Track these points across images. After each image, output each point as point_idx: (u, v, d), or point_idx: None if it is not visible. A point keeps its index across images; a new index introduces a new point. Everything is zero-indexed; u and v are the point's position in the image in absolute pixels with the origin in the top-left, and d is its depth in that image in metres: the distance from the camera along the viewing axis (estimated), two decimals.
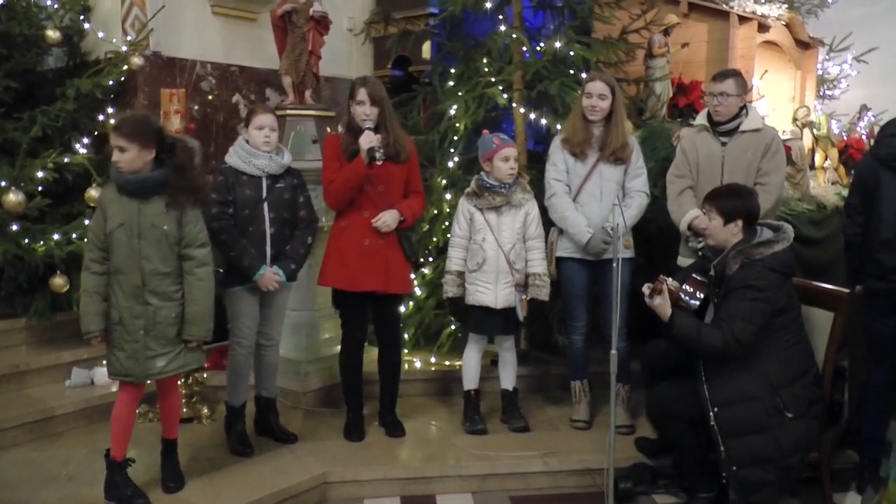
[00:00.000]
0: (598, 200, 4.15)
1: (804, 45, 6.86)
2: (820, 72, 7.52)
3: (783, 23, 6.37)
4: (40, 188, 4.65)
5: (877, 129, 7.65)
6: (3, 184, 4.49)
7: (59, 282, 4.57)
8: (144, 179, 3.26)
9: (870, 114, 7.85)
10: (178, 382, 4.35)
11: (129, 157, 3.22)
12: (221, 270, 3.80)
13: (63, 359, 4.61)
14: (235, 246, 3.80)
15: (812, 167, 6.68)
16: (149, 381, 3.43)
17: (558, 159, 4.22)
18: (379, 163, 3.85)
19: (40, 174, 4.62)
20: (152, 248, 3.27)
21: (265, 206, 3.87)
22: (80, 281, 3.33)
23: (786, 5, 6.81)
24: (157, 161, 3.30)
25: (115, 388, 3.70)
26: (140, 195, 3.26)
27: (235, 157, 3.87)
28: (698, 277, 3.53)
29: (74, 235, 4.62)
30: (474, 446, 4.10)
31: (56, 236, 4.62)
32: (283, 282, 3.93)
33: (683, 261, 4.11)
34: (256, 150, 3.85)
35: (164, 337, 3.33)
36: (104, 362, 3.45)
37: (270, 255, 3.90)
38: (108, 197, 3.32)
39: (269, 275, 3.87)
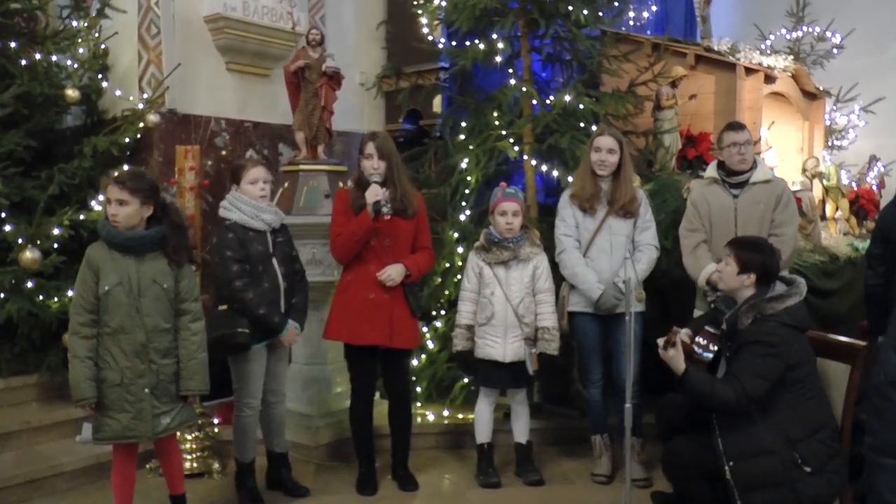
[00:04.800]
0: (608, 255, 4.16)
1: (811, 95, 6.91)
2: (828, 122, 7.56)
3: (789, 74, 6.43)
4: (56, 245, 4.69)
5: (887, 180, 7.73)
6: (20, 241, 4.53)
7: None
8: (144, 236, 3.26)
9: (879, 164, 7.86)
10: (189, 437, 4.38)
11: (129, 211, 3.22)
12: (247, 331, 3.74)
13: (73, 414, 4.57)
14: (263, 303, 3.78)
15: (823, 218, 6.68)
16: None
17: (567, 215, 4.24)
18: (387, 217, 3.88)
19: (56, 231, 4.67)
20: (153, 305, 3.27)
21: (275, 260, 3.89)
22: (69, 346, 3.26)
23: (791, 56, 6.89)
24: (150, 218, 3.31)
25: None
26: (136, 252, 3.26)
27: (239, 212, 3.85)
28: (711, 330, 3.50)
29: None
30: (488, 500, 4.06)
31: (70, 293, 4.63)
32: (300, 334, 3.98)
33: (699, 314, 4.08)
34: (259, 204, 3.88)
35: (167, 394, 3.33)
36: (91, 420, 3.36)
37: (284, 309, 3.91)
38: (99, 256, 3.25)
39: (293, 329, 3.90)
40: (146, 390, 3.26)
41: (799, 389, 3.26)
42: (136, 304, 3.23)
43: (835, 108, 7.92)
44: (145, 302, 3.25)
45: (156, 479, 4.20)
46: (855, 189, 7.33)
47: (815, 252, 5.59)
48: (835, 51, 8.08)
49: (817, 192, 6.65)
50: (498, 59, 5.25)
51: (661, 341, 3.37)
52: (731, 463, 3.23)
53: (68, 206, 4.80)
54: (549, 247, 4.34)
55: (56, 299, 4.62)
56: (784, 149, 6.65)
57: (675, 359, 3.31)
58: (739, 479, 3.21)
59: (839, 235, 6.68)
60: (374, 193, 3.87)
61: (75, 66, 5.32)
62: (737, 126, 4.13)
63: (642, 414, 4.23)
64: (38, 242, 4.58)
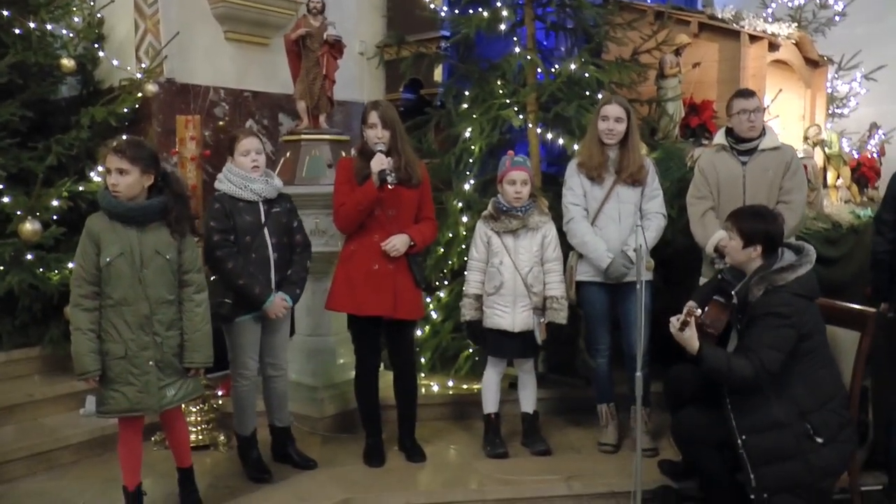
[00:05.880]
0: (616, 223, 4.14)
1: (814, 63, 6.85)
2: (829, 90, 7.51)
3: (793, 42, 6.36)
4: (55, 217, 4.64)
5: (887, 147, 7.70)
6: (19, 213, 4.48)
7: None
8: (146, 206, 3.21)
9: (880, 131, 7.82)
10: (194, 409, 4.36)
11: (129, 181, 3.16)
12: (229, 301, 3.75)
13: (76, 387, 4.53)
14: (243, 274, 3.75)
15: (824, 186, 6.65)
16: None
17: (575, 183, 4.21)
18: (390, 186, 3.84)
19: (55, 203, 4.61)
20: (156, 277, 3.22)
21: (266, 231, 3.84)
22: (71, 319, 3.23)
23: (795, 24, 6.82)
24: (151, 188, 3.26)
25: None
26: (138, 223, 3.21)
27: (228, 183, 3.83)
28: (721, 300, 3.48)
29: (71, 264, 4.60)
30: (496, 470, 4.06)
31: (71, 265, 4.58)
32: (290, 307, 3.93)
33: (705, 281, 4.08)
34: (249, 175, 3.83)
35: (172, 367, 3.29)
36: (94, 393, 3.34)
37: (275, 280, 3.87)
38: (100, 226, 3.20)
39: (279, 301, 3.84)
40: (151, 363, 3.23)
41: (810, 360, 3.25)
42: (139, 275, 3.19)
43: (836, 75, 7.86)
44: (148, 273, 3.21)
45: (161, 452, 4.19)
46: (856, 157, 7.30)
47: (818, 220, 5.57)
48: (837, 18, 8.00)
49: (819, 159, 6.62)
50: (502, 27, 5.17)
51: (675, 320, 3.34)
52: (743, 436, 3.23)
53: (67, 178, 4.74)
54: (554, 216, 4.31)
55: (57, 271, 4.58)
56: (786, 117, 6.60)
57: (691, 338, 3.29)
58: (753, 452, 3.21)
59: (841, 203, 6.67)
60: (380, 162, 3.83)
61: (70, 35, 5.23)
62: (747, 93, 4.10)
63: (650, 383, 4.23)
64: (38, 214, 4.52)
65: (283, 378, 4.11)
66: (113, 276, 3.17)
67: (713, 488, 3.60)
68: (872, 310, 3.65)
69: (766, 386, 3.22)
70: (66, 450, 4.20)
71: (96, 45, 5.32)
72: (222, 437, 4.41)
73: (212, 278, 3.77)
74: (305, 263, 4.01)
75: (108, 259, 3.16)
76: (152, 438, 4.34)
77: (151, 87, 4.99)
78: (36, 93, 5.02)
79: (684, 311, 3.36)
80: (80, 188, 4.75)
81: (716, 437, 3.37)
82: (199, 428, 4.38)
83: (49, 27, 5.10)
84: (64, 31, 5.21)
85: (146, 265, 3.20)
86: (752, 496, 3.26)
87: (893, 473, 3.84)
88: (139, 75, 5.05)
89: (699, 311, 3.38)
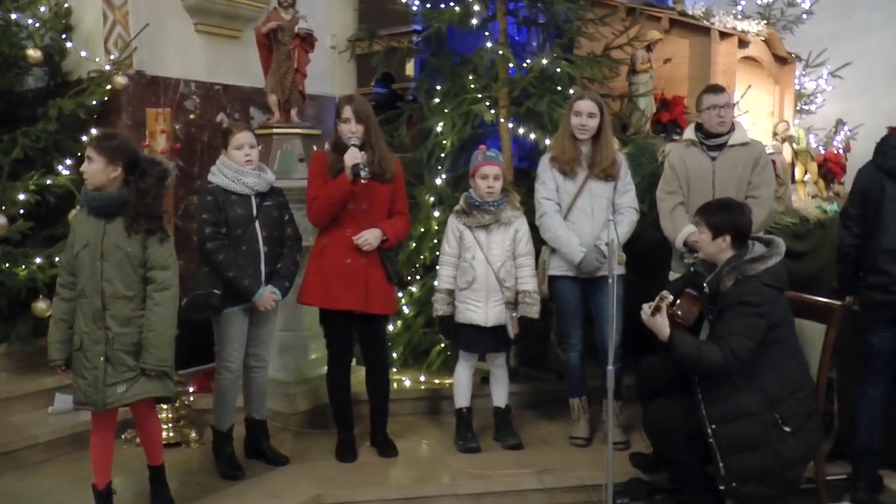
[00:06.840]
0: (589, 217, 4.16)
1: (782, 60, 6.93)
2: (797, 87, 7.60)
3: (762, 39, 6.43)
4: (22, 211, 4.56)
5: (853, 143, 7.82)
6: None
7: (41, 306, 4.44)
8: (104, 197, 3.20)
9: (846, 128, 7.94)
10: (165, 406, 4.32)
11: (94, 169, 3.18)
12: (219, 292, 3.73)
13: (45, 385, 4.50)
14: (233, 266, 3.75)
15: (792, 181, 6.73)
16: (114, 408, 3.29)
17: (547, 178, 4.22)
18: (364, 181, 3.83)
19: (22, 196, 4.54)
20: (114, 270, 3.18)
21: (257, 224, 3.84)
22: (52, 307, 3.24)
23: (764, 21, 6.90)
24: (125, 183, 3.24)
25: None
26: (105, 215, 3.20)
27: (222, 176, 3.84)
28: (692, 292, 3.53)
29: (57, 258, 4.51)
30: (468, 465, 4.07)
31: (38, 260, 4.53)
32: (279, 300, 3.91)
33: (675, 276, 4.12)
34: (242, 168, 3.83)
35: (124, 364, 3.20)
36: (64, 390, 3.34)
37: (265, 273, 3.87)
38: (77, 218, 3.28)
39: (268, 294, 3.84)
40: (101, 358, 3.18)
41: (779, 350, 3.31)
42: (99, 267, 3.17)
43: (804, 72, 7.96)
44: (107, 266, 3.18)
45: (132, 450, 4.14)
46: (822, 153, 7.40)
47: (786, 214, 5.65)
48: (804, 16, 8.10)
49: (787, 155, 6.70)
50: (473, 21, 5.18)
51: (647, 307, 3.38)
52: (713, 426, 3.28)
53: (34, 171, 4.66)
54: (526, 211, 4.32)
55: (24, 266, 4.49)
56: (755, 113, 6.67)
57: (662, 325, 3.33)
58: (723, 441, 3.26)
59: (808, 198, 6.75)
60: (353, 156, 3.82)
61: (36, 25, 5.13)
62: (717, 88, 4.14)
63: (622, 377, 4.25)
64: (3, 208, 4.44)
65: (264, 370, 4.11)
66: (78, 267, 3.20)
67: (683, 480, 3.65)
68: (838, 303, 3.71)
69: (735, 374, 3.27)
70: (35, 448, 4.14)
71: (63, 36, 5.22)
72: (193, 434, 4.38)
73: (203, 269, 3.79)
74: (295, 257, 4.01)
75: (75, 250, 3.19)
76: (123, 436, 4.30)
77: (121, 80, 4.92)
78: (1, 84, 4.94)
79: (657, 298, 3.41)
80: (48, 181, 4.67)
81: (686, 427, 3.41)
82: (170, 425, 4.34)
83: (14, 16, 4.99)
84: (30, 21, 5.10)
85: (106, 258, 3.18)
86: (722, 486, 3.31)
87: (858, 463, 3.91)
88: (108, 67, 4.97)
89: (671, 297, 3.43)
